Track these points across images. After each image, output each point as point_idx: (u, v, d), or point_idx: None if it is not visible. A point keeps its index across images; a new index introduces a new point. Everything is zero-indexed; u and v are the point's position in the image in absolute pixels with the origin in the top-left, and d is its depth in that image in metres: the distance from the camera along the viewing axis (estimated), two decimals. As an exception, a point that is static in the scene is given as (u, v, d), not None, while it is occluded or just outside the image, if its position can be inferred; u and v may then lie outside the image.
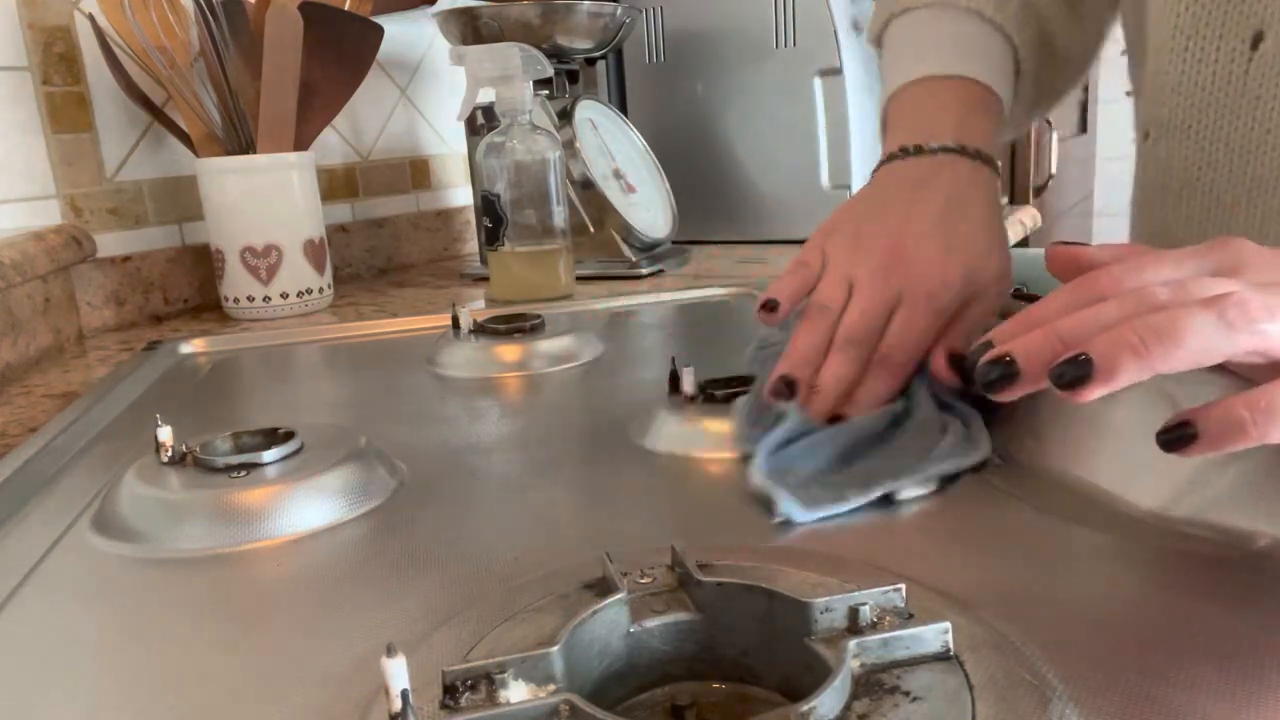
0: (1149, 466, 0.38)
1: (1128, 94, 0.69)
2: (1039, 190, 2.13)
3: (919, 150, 0.55)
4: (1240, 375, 0.34)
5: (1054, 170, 2.21)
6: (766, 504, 0.40)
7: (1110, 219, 3.24)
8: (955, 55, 0.61)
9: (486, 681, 0.24)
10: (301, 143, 1.00)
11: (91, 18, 0.93)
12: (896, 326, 0.48)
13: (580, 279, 1.04)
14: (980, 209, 0.52)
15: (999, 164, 0.57)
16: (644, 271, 1.07)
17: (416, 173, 1.35)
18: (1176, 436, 0.29)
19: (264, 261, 0.97)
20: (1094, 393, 0.29)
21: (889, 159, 0.57)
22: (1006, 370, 0.31)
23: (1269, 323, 0.28)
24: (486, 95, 1.00)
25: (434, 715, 0.24)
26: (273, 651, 0.32)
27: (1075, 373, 0.29)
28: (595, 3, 1.08)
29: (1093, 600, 0.32)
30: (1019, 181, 2.09)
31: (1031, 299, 0.45)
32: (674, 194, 1.19)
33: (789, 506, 0.39)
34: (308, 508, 0.41)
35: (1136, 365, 0.28)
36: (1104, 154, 3.42)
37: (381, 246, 1.29)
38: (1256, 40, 0.51)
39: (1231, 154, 0.54)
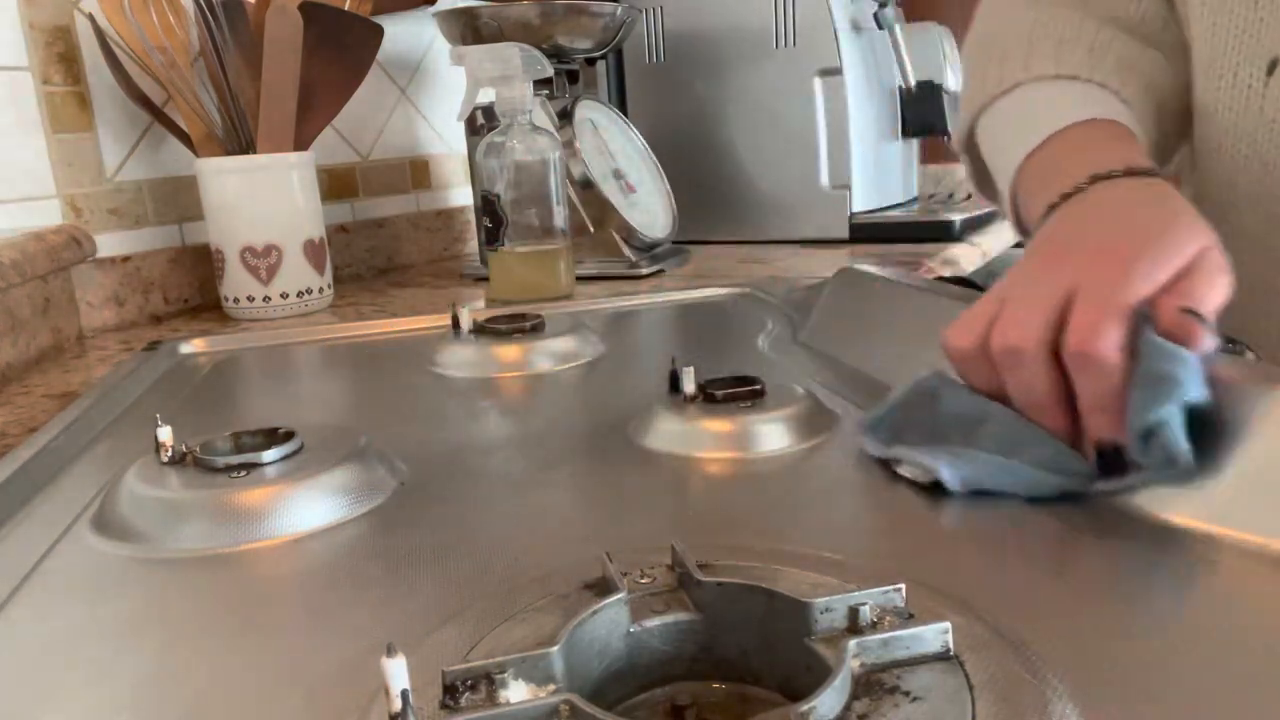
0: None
1: None
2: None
3: (1085, 186, 0.49)
4: None
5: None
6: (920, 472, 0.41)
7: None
8: (1073, 110, 0.57)
9: (486, 681, 0.24)
10: (301, 143, 1.00)
11: (91, 18, 0.93)
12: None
13: (580, 279, 1.04)
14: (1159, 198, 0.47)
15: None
16: (644, 271, 1.07)
17: (416, 173, 1.35)
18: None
19: (264, 261, 0.97)
20: None
21: (1049, 211, 0.50)
22: None
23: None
24: (486, 95, 1.00)
25: (434, 715, 0.24)
26: (273, 651, 0.32)
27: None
28: (595, 3, 1.08)
29: (1093, 600, 0.32)
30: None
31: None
32: (674, 194, 1.19)
33: (948, 472, 0.39)
34: (308, 508, 0.41)
35: None
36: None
37: (381, 246, 1.29)
38: (1271, 67, 0.51)
39: (1253, 177, 0.54)
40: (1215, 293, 0.40)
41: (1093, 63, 0.59)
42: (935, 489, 0.40)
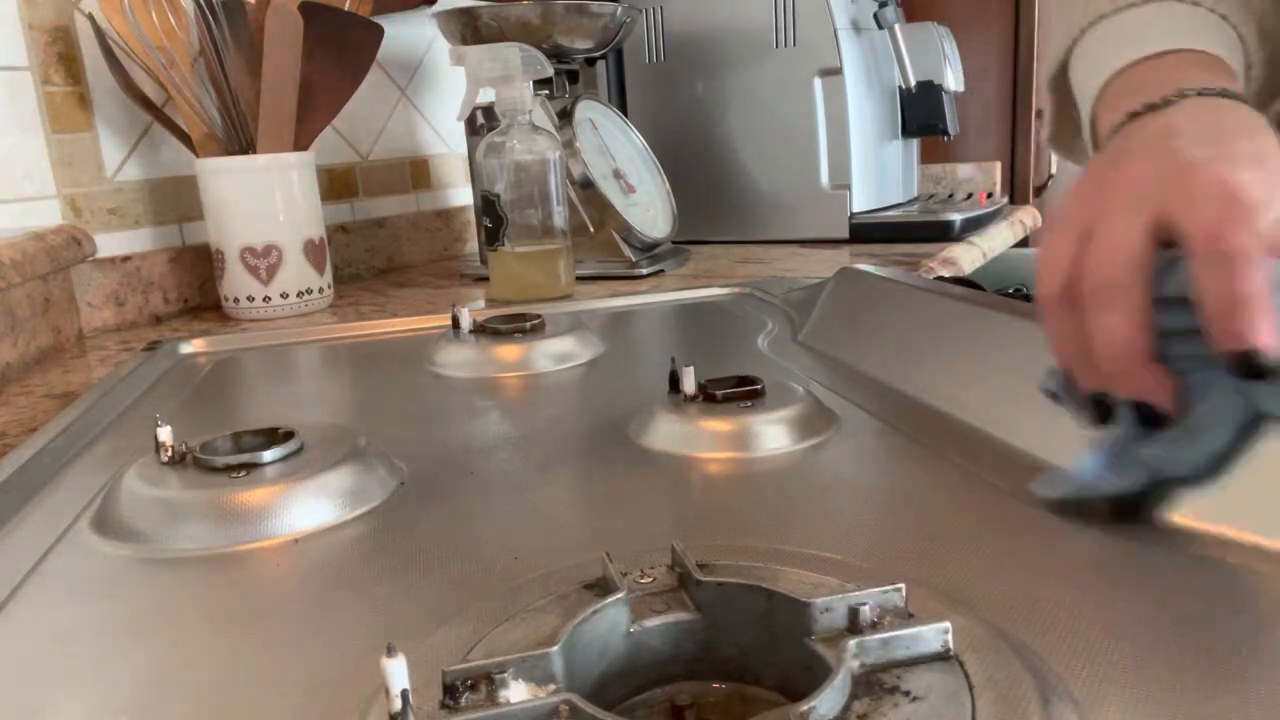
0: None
1: None
2: (1039, 190, 2.13)
3: (1174, 99, 0.44)
4: None
5: (1054, 170, 2.21)
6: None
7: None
8: (1176, 34, 0.52)
9: (486, 681, 0.24)
10: (301, 143, 1.00)
11: (91, 18, 0.93)
12: None
13: (580, 279, 1.04)
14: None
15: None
16: (644, 271, 1.07)
17: (416, 173, 1.35)
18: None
19: (264, 261, 0.97)
20: None
21: (1129, 119, 0.44)
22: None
23: None
24: (486, 95, 1.00)
25: (434, 715, 0.24)
26: (273, 651, 0.32)
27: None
28: (595, 3, 1.08)
29: (1093, 600, 0.32)
30: (1019, 181, 2.09)
31: (1031, 299, 0.45)
32: (674, 194, 1.19)
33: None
34: (308, 508, 0.41)
35: None
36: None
37: (381, 246, 1.29)
38: None
39: None
40: None
41: None
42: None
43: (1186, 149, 0.37)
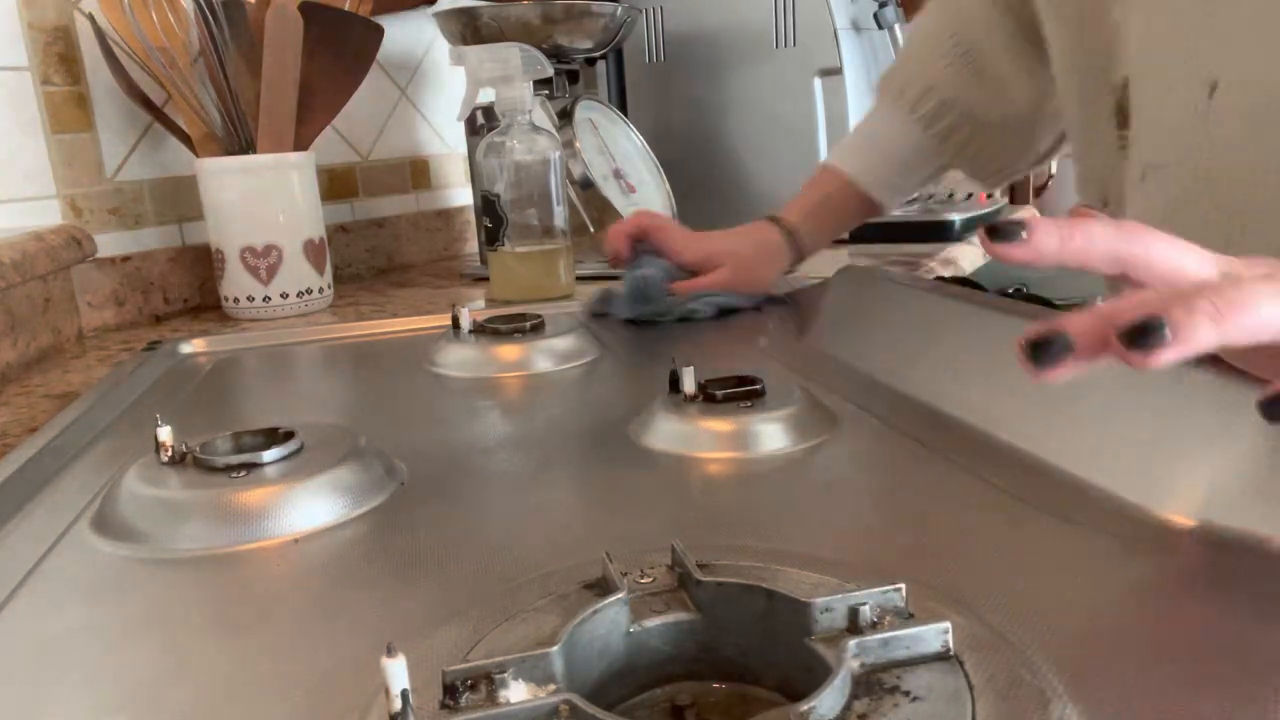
0: (1151, 467, 0.38)
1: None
2: (1039, 190, 2.13)
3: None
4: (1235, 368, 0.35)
5: (1054, 171, 2.21)
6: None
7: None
8: (842, 152, 0.90)
9: (486, 681, 0.24)
10: (301, 143, 1.00)
11: (91, 18, 0.93)
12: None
13: (580, 279, 1.04)
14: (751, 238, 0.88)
15: (796, 232, 0.87)
16: (644, 271, 1.07)
17: (416, 173, 1.35)
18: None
19: (264, 261, 0.97)
20: (1167, 357, 0.28)
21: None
22: (1061, 342, 0.30)
23: None
24: (486, 95, 1.00)
25: (434, 715, 0.24)
26: (273, 651, 0.32)
27: (1150, 336, 0.28)
28: (595, 2, 1.08)
29: (1093, 600, 0.32)
30: (1019, 181, 2.09)
31: (1031, 299, 0.45)
32: (674, 194, 1.19)
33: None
34: (308, 508, 0.41)
35: (1211, 330, 0.28)
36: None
37: (381, 246, 1.29)
38: (1213, 89, 0.52)
39: (1203, 190, 0.55)
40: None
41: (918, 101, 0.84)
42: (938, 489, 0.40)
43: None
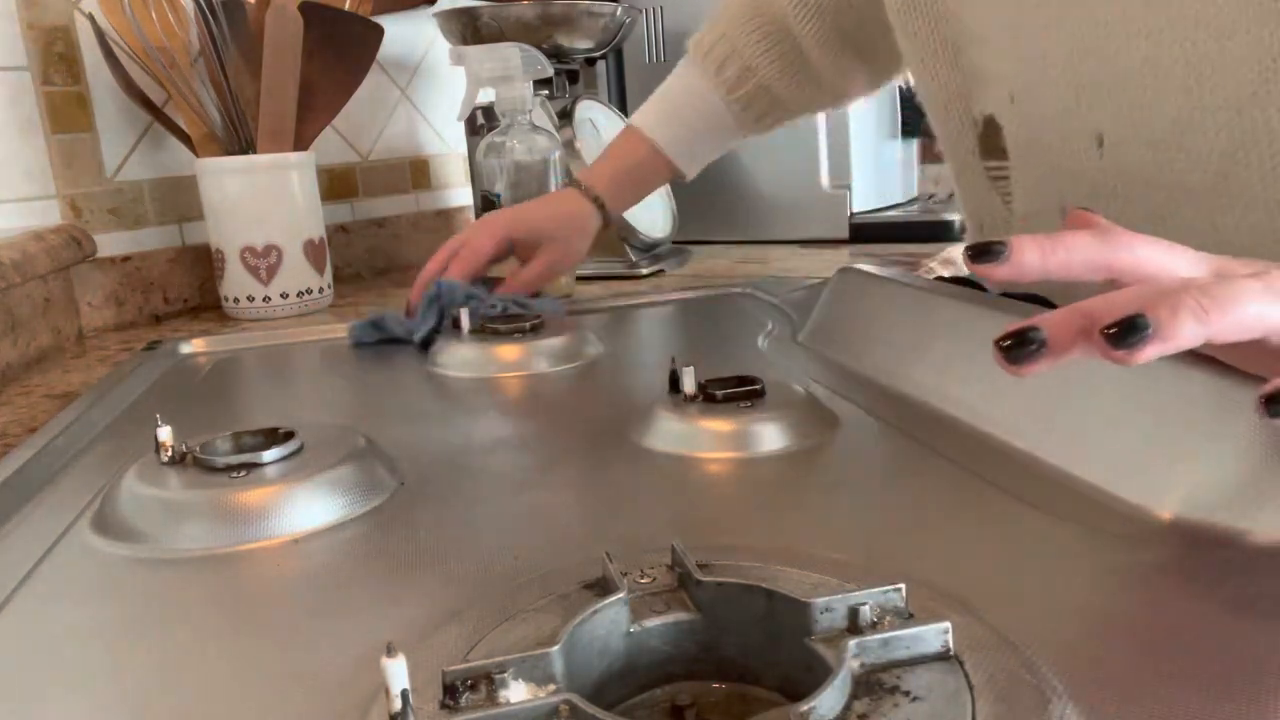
0: (1150, 466, 0.38)
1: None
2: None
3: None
4: (1224, 364, 0.35)
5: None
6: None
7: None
8: (656, 115, 0.89)
9: (486, 681, 0.24)
10: (301, 143, 1.00)
11: (91, 18, 0.93)
12: None
13: (580, 279, 1.04)
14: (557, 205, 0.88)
15: (604, 200, 0.88)
16: (644, 271, 1.07)
17: (416, 173, 1.35)
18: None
19: (264, 261, 0.97)
20: (1150, 353, 0.29)
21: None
22: (1035, 339, 0.31)
23: None
24: (486, 95, 1.00)
25: (434, 715, 0.24)
26: (273, 651, 0.32)
27: (1133, 333, 0.28)
28: (595, 3, 1.08)
29: (1093, 600, 0.32)
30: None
31: (1032, 298, 0.45)
32: (674, 194, 1.19)
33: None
34: (308, 508, 0.41)
35: (1196, 327, 0.28)
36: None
37: (381, 246, 1.29)
38: (1100, 141, 0.53)
39: None
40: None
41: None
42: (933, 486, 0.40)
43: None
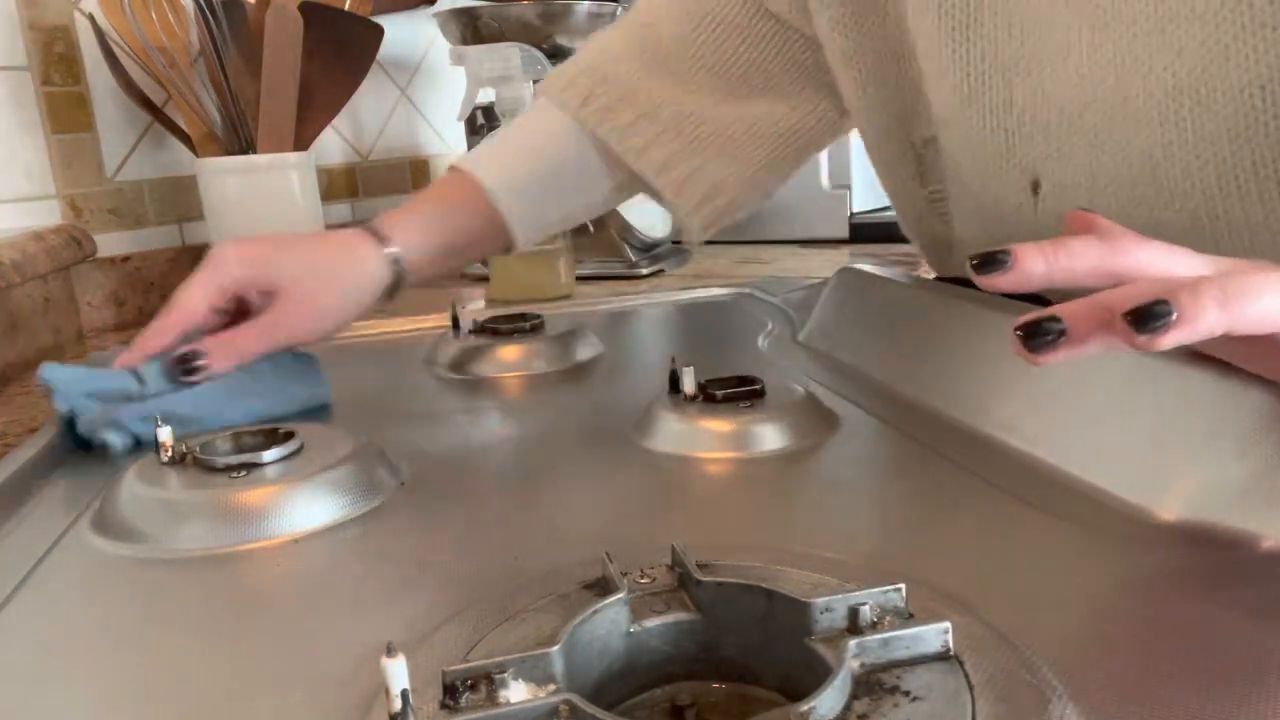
0: (1150, 466, 0.38)
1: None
2: (1039, 190, 2.14)
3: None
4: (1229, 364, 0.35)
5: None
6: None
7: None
8: (488, 156, 0.71)
9: (486, 681, 0.24)
10: (301, 143, 1.00)
11: (91, 18, 0.93)
12: None
13: (580, 279, 1.04)
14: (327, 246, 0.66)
15: (390, 244, 0.66)
16: (644, 271, 1.07)
17: (416, 173, 1.35)
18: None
19: (264, 261, 0.97)
20: (1171, 339, 0.29)
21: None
22: (1055, 327, 0.31)
23: None
24: (486, 95, 1.00)
25: (434, 715, 0.24)
26: (273, 651, 0.32)
27: (1156, 318, 0.28)
28: (595, 3, 1.08)
29: (1093, 600, 0.32)
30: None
31: (1032, 298, 0.45)
32: (674, 194, 1.19)
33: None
34: (308, 508, 0.41)
35: (1218, 313, 0.28)
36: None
37: (381, 246, 1.29)
38: (1035, 187, 0.52)
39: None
40: None
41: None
42: (934, 488, 0.40)
43: None
